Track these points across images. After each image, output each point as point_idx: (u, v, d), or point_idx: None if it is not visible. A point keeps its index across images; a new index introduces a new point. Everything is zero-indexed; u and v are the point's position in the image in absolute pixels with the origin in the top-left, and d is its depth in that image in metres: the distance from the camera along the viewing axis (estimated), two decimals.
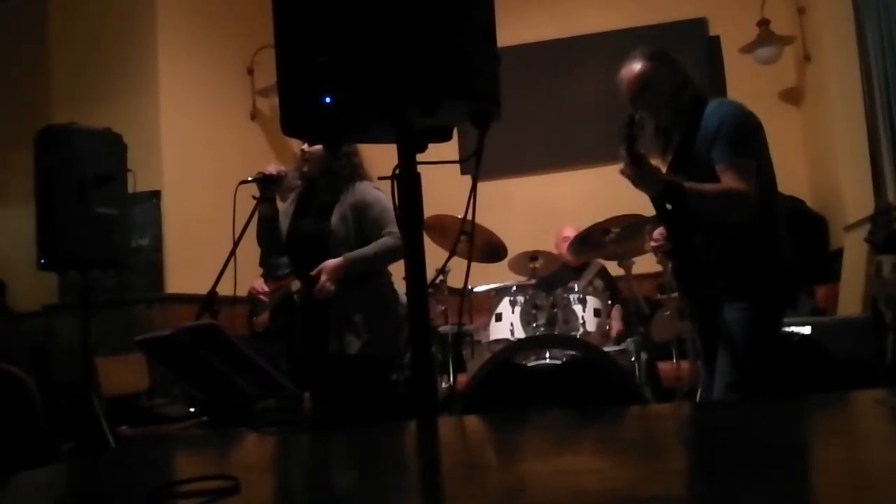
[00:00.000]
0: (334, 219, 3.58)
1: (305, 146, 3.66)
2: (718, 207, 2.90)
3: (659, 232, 3.22)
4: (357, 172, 3.66)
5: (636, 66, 3.05)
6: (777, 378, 2.90)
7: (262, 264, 4.13)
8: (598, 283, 5.26)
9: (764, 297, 2.94)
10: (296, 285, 3.66)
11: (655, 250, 3.33)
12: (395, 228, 3.50)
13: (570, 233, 5.79)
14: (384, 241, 3.55)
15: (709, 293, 3.04)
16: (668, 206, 3.04)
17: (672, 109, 3.05)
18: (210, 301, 3.22)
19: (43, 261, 4.13)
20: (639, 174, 2.83)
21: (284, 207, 3.80)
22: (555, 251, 5.61)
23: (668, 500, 1.01)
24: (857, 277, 5.11)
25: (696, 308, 3.24)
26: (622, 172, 2.87)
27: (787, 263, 2.99)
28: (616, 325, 5.20)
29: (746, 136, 2.93)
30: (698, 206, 2.91)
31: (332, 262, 3.52)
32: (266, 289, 3.84)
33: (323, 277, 3.49)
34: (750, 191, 2.85)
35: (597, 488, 1.08)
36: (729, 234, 2.95)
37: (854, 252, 5.29)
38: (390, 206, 3.48)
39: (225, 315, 3.32)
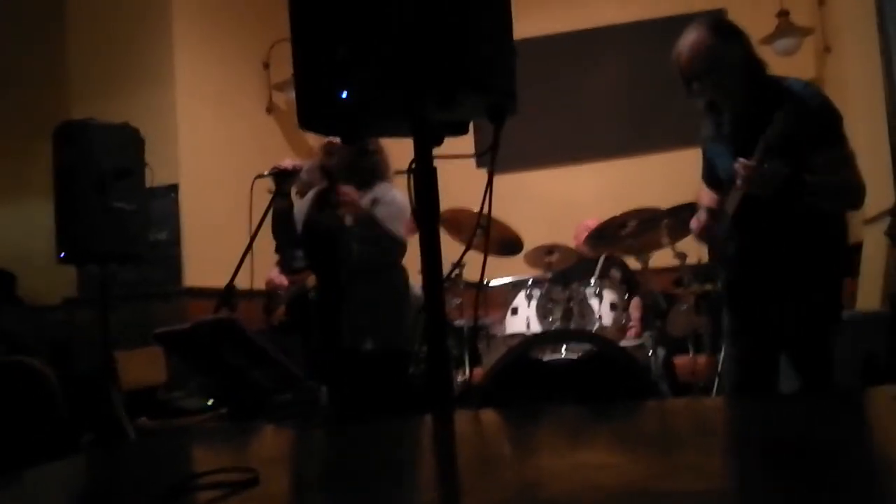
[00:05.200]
0: (350, 217, 3.58)
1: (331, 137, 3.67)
2: (835, 201, 2.62)
3: (697, 219, 2.95)
4: (378, 170, 3.66)
5: (700, 42, 2.58)
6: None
7: (277, 252, 4.12)
8: (616, 274, 5.23)
9: (829, 295, 2.77)
10: (312, 281, 3.66)
11: (699, 234, 2.98)
12: (398, 230, 3.51)
13: (594, 223, 5.74)
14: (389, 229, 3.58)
15: (773, 288, 2.78)
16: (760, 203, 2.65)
17: (746, 89, 2.62)
18: (228, 295, 3.24)
19: (62, 254, 4.16)
20: (765, 173, 2.50)
21: (302, 201, 3.81)
22: (573, 243, 5.54)
23: (683, 495, 1.01)
24: (877, 272, 5.07)
25: (744, 301, 2.89)
26: (744, 168, 2.52)
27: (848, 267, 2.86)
28: (636, 327, 5.11)
29: (842, 123, 2.64)
30: (814, 201, 2.57)
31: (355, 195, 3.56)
32: (285, 282, 3.84)
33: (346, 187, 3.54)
34: (864, 184, 2.60)
35: (612, 483, 1.08)
36: (805, 233, 2.70)
37: (873, 246, 5.25)
38: (404, 208, 3.49)
39: (243, 309, 3.34)
